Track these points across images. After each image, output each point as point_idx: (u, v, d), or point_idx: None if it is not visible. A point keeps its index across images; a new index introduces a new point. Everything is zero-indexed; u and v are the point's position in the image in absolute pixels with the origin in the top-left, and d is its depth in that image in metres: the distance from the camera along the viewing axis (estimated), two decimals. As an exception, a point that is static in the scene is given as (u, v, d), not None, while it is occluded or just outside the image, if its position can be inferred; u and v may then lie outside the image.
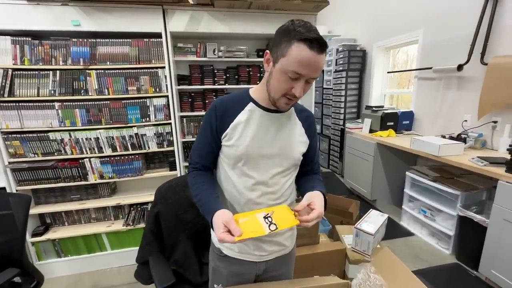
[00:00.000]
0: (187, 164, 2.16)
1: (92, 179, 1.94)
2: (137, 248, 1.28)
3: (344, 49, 3.65)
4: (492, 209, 1.73)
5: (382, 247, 1.44)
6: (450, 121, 2.55)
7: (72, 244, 2.01)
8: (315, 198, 0.75)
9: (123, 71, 1.84)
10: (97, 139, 1.89)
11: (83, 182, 1.94)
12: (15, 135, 1.76)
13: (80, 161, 1.89)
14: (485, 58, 2.17)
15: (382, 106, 3.28)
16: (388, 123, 2.93)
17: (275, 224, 0.65)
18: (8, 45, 1.67)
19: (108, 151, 1.93)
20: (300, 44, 0.64)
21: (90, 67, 1.79)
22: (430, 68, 2.65)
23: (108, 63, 1.81)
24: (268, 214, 0.68)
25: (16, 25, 1.63)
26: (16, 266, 1.21)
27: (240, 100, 0.81)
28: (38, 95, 1.75)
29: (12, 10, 1.61)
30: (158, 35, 1.84)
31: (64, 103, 1.80)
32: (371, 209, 1.60)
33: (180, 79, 2.12)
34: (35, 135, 1.79)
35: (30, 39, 1.69)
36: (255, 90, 0.83)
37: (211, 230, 0.95)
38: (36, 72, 1.73)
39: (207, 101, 2.21)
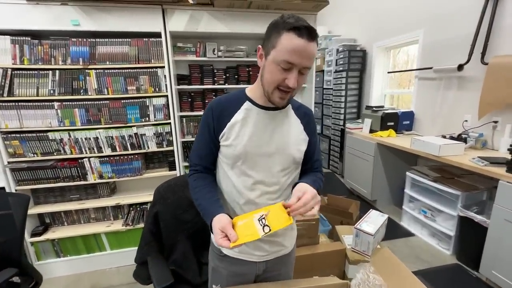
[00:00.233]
0: (186, 164, 2.18)
1: (92, 179, 1.94)
2: (136, 248, 1.27)
3: (344, 49, 3.64)
4: (493, 210, 1.72)
5: (382, 247, 1.43)
6: (451, 121, 2.54)
7: (71, 244, 2.00)
8: (300, 187, 0.72)
9: (123, 70, 1.84)
10: (96, 139, 1.89)
11: (82, 182, 1.93)
12: (14, 135, 1.76)
13: (80, 161, 1.89)
14: (485, 57, 2.17)
15: (383, 106, 3.27)
16: (389, 123, 2.92)
17: (268, 226, 0.64)
18: (7, 45, 1.66)
19: (107, 151, 1.92)
20: (289, 33, 0.65)
21: (90, 66, 1.79)
22: (431, 68, 2.65)
23: (107, 62, 1.81)
24: (263, 215, 0.67)
25: (16, 24, 1.63)
26: (14, 266, 1.21)
27: (237, 99, 0.81)
28: (37, 95, 1.75)
29: (11, 10, 1.61)
30: (158, 35, 1.84)
31: (64, 103, 1.80)
32: (371, 210, 1.59)
33: (180, 79, 2.12)
34: (35, 134, 1.79)
35: (29, 38, 1.68)
36: (251, 89, 0.82)
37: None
38: (36, 72, 1.73)
39: (206, 101, 2.21)
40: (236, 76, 2.22)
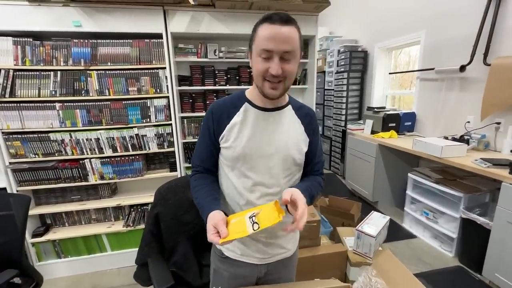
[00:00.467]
0: (187, 165, 2.18)
1: (93, 179, 1.94)
2: (137, 249, 1.27)
3: (346, 50, 3.64)
4: (496, 212, 1.71)
5: (384, 249, 1.42)
6: (453, 122, 2.53)
7: (72, 245, 2.00)
8: (288, 192, 0.70)
9: (124, 71, 1.84)
10: (97, 139, 1.89)
11: (83, 183, 1.93)
12: (16, 136, 1.76)
13: (81, 161, 1.89)
14: (488, 58, 2.16)
15: (384, 107, 3.26)
16: (390, 124, 2.91)
17: (257, 223, 0.65)
18: (9, 46, 1.67)
19: (108, 152, 1.92)
20: (263, 24, 0.70)
21: (91, 67, 1.79)
22: (432, 69, 2.64)
23: (109, 63, 1.81)
24: (254, 213, 0.68)
25: (18, 26, 1.64)
26: (15, 267, 1.21)
27: (236, 101, 0.81)
28: (39, 96, 1.75)
29: (13, 11, 1.62)
30: (159, 36, 1.84)
31: (65, 104, 1.80)
32: (372, 211, 1.58)
33: (181, 80, 2.12)
34: (36, 135, 1.79)
35: (31, 39, 1.69)
36: (250, 91, 0.83)
37: None
38: (37, 73, 1.73)
39: (207, 102, 2.21)
40: (237, 77, 2.21)
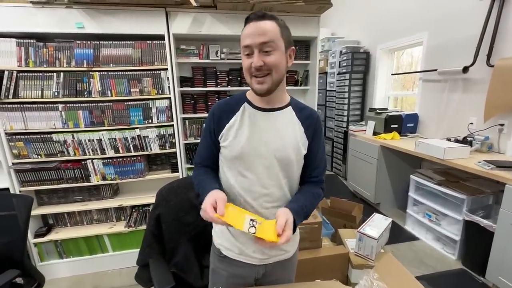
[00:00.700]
0: (189, 166, 2.18)
1: (95, 180, 1.95)
2: (138, 250, 1.27)
3: (348, 51, 3.63)
4: (500, 214, 1.69)
5: (386, 251, 1.41)
6: (456, 124, 2.51)
7: (74, 245, 2.01)
8: (283, 218, 0.70)
9: (126, 73, 1.85)
10: (99, 140, 1.89)
11: (85, 184, 1.94)
12: (19, 136, 1.78)
13: (83, 162, 1.90)
14: (491, 60, 2.14)
15: (386, 109, 3.25)
16: (392, 126, 2.90)
17: (255, 228, 0.66)
18: (13, 47, 1.68)
19: (110, 153, 1.93)
20: (244, 26, 0.75)
21: (94, 69, 1.80)
22: (435, 70, 2.63)
23: (111, 65, 1.82)
24: (256, 221, 0.68)
25: (21, 27, 1.65)
26: (17, 267, 1.21)
27: (236, 101, 0.82)
28: (42, 97, 1.76)
29: (17, 13, 1.63)
30: (161, 37, 1.84)
31: (68, 105, 1.81)
32: (374, 213, 1.57)
33: (183, 81, 2.13)
34: (39, 136, 1.80)
35: (34, 41, 1.70)
36: (250, 91, 0.83)
37: (213, 230, 0.94)
38: (40, 74, 1.75)
39: (209, 103, 2.21)
40: (239, 78, 2.22)
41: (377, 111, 3.10)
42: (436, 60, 2.68)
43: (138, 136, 1.95)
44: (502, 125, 2.10)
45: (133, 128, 1.93)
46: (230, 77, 2.20)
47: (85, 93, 1.82)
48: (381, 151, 2.78)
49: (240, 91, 0.87)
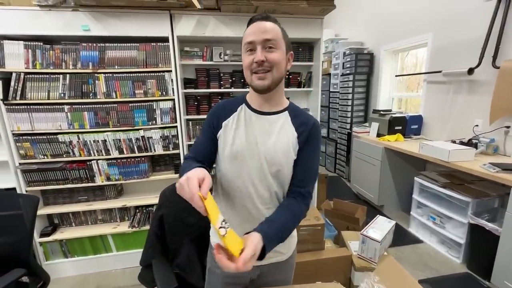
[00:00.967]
0: (192, 167, 2.19)
1: (99, 180, 1.97)
2: (142, 250, 1.28)
3: (351, 52, 3.62)
4: (505, 217, 1.67)
5: (389, 254, 1.40)
6: (461, 126, 2.48)
7: (79, 245, 2.03)
8: (252, 246, 0.60)
9: (131, 74, 1.87)
10: (104, 141, 1.92)
11: (90, 184, 1.96)
12: (25, 137, 1.81)
13: (88, 163, 1.92)
14: (497, 61, 2.12)
15: (390, 110, 3.23)
16: (396, 127, 2.88)
17: (226, 231, 0.58)
18: (21, 50, 1.71)
19: (115, 154, 1.95)
20: (247, 27, 0.78)
21: (99, 71, 1.82)
22: (440, 71, 2.61)
23: (116, 67, 1.85)
24: (227, 223, 0.60)
25: (29, 30, 1.68)
26: (23, 266, 1.23)
27: (236, 102, 0.85)
28: (48, 98, 1.79)
29: (25, 16, 1.66)
30: (165, 39, 1.86)
31: (73, 106, 1.84)
32: (378, 215, 1.57)
33: (187, 83, 2.14)
34: (45, 137, 1.83)
35: (41, 43, 1.73)
36: (250, 93, 0.86)
37: (211, 231, 0.95)
38: (47, 76, 1.77)
39: (213, 104, 2.22)
40: (242, 80, 2.22)
41: (381, 112, 3.09)
42: (440, 61, 2.66)
43: (142, 137, 1.96)
44: (508, 127, 2.07)
45: (137, 129, 1.95)
46: (234, 78, 2.21)
47: (91, 94, 1.85)
48: (385, 153, 2.76)
49: (243, 93, 0.88)
